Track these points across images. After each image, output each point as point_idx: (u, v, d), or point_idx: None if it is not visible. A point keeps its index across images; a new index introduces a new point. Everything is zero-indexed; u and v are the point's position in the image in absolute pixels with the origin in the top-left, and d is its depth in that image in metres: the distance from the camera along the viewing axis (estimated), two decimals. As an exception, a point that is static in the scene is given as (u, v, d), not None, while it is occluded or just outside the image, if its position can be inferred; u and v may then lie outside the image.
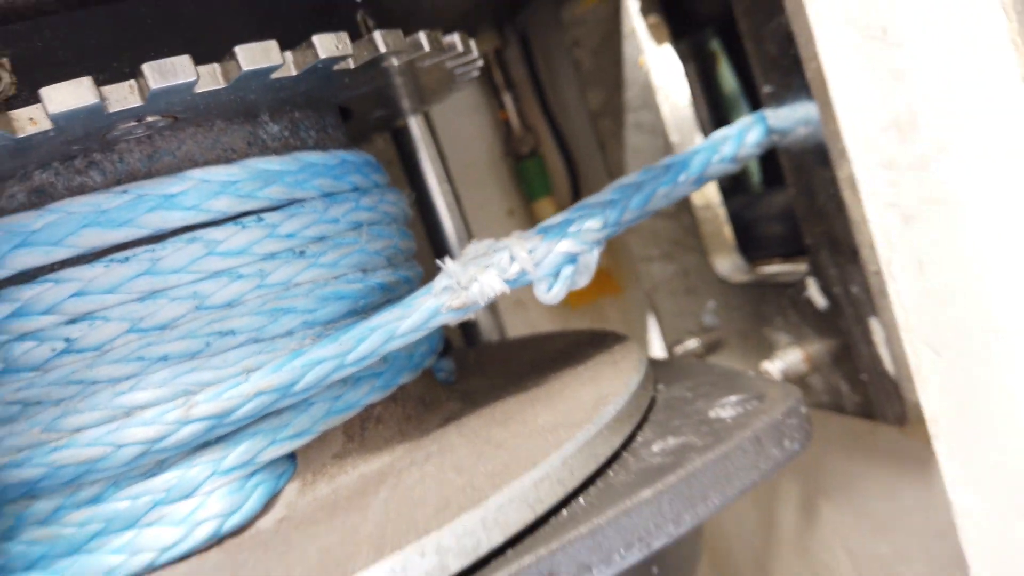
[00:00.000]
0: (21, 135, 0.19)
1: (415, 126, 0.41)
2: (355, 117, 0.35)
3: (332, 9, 0.28)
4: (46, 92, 0.18)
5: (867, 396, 0.31)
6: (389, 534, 0.20)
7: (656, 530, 0.21)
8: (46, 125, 0.20)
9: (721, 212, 0.41)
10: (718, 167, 0.33)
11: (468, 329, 0.44)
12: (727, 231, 0.41)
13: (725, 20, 0.35)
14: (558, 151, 0.57)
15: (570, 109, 0.53)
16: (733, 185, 0.43)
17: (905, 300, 0.21)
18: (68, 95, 0.19)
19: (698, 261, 0.44)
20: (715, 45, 0.47)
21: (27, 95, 0.21)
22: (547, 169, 0.56)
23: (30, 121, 0.19)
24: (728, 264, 0.42)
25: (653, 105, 0.42)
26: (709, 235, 0.42)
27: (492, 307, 0.47)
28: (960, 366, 0.21)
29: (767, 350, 0.38)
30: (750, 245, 0.41)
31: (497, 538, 0.20)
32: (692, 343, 0.47)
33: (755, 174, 0.49)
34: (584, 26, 0.46)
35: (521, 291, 0.55)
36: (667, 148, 0.41)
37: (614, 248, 0.57)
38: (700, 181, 0.33)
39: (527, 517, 0.21)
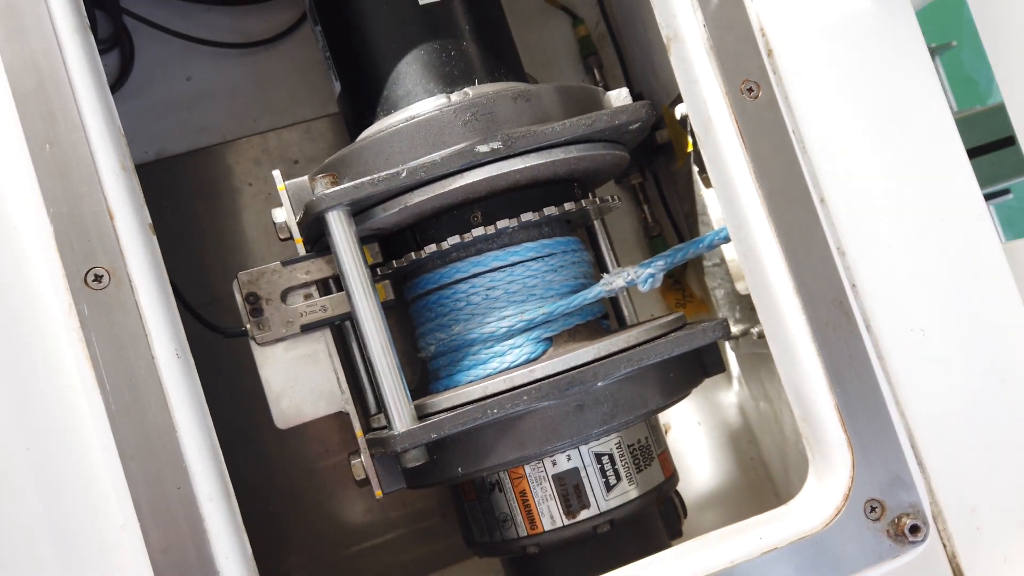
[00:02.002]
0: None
1: (597, 225, 0.89)
2: (571, 222, 0.84)
3: (564, 187, 0.77)
4: (501, 223, 0.68)
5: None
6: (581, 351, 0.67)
7: (666, 351, 0.66)
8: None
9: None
10: (718, 241, 0.76)
11: (620, 319, 0.91)
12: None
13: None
14: (674, 233, 1.03)
15: (677, 211, 0.99)
16: (746, 250, 0.86)
17: (751, 288, 0.65)
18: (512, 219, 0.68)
19: (732, 287, 0.87)
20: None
21: (484, 221, 0.70)
22: (667, 244, 1.02)
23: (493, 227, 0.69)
24: (742, 286, 0.84)
25: (707, 213, 0.87)
26: (734, 272, 0.85)
27: (635, 311, 0.93)
28: (760, 298, 0.64)
29: (757, 323, 0.81)
30: (753, 278, 0.84)
31: (615, 347, 0.66)
32: (736, 329, 0.90)
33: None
34: (679, 173, 0.92)
35: (651, 305, 1.01)
36: (718, 232, 0.86)
37: (704, 286, 1.00)
38: (710, 247, 0.76)
39: (624, 344, 0.66)
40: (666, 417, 1.00)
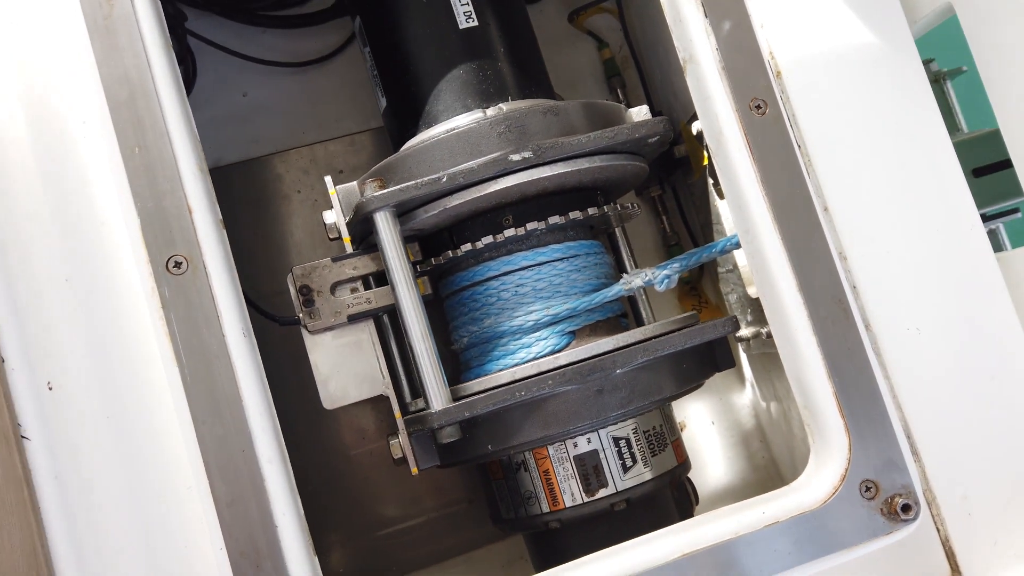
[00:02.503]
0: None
1: (619, 232, 0.95)
2: (594, 228, 0.90)
3: (588, 194, 0.84)
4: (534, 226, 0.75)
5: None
6: (601, 342, 0.74)
7: (679, 343, 0.72)
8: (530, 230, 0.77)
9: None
10: (729, 246, 0.83)
11: (639, 320, 0.97)
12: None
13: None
14: (691, 242, 1.09)
15: (694, 221, 1.05)
16: (757, 256, 0.92)
17: (758, 287, 0.71)
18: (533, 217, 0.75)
19: (744, 291, 0.93)
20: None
21: (515, 223, 0.77)
22: (684, 251, 1.08)
23: (523, 229, 0.76)
24: (753, 290, 0.90)
25: (721, 223, 0.93)
26: (746, 278, 0.91)
27: (652, 314, 0.99)
28: (766, 296, 0.70)
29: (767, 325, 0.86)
30: (764, 282, 0.90)
31: (632, 339, 0.72)
32: (747, 331, 0.96)
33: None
34: (696, 185, 0.98)
35: (669, 310, 1.07)
36: (731, 240, 0.92)
37: (719, 292, 1.06)
38: (722, 252, 0.82)
39: (641, 336, 0.73)
40: (682, 416, 1.06)
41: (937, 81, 1.40)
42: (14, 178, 0.64)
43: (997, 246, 1.38)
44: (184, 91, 0.67)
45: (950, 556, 0.69)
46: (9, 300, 0.62)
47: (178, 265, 0.62)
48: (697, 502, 0.85)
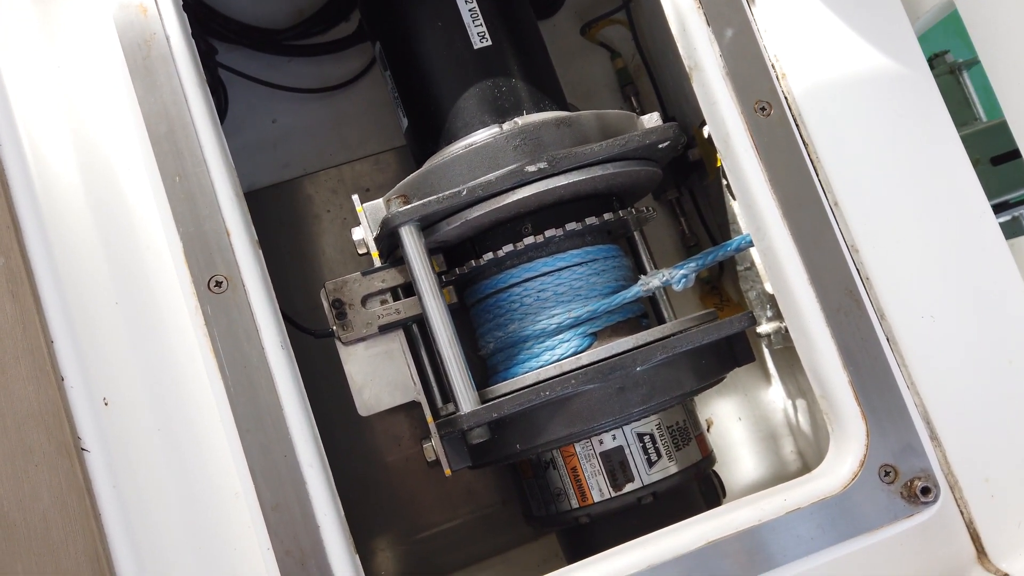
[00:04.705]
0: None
1: (637, 235, 0.98)
2: (612, 232, 0.93)
3: (604, 200, 0.87)
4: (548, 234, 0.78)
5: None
6: (621, 341, 0.76)
7: (696, 340, 0.74)
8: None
9: (767, 265, 0.92)
10: (744, 244, 0.85)
11: (661, 320, 0.99)
12: (771, 273, 0.92)
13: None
14: (710, 242, 1.11)
15: (711, 222, 1.08)
16: (773, 253, 0.94)
17: (772, 283, 0.73)
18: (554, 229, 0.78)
19: (763, 288, 0.95)
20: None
21: (534, 231, 0.81)
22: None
23: (542, 237, 0.79)
24: (769, 286, 0.92)
25: (737, 222, 0.95)
26: (763, 275, 0.93)
27: (674, 314, 1.01)
28: (779, 291, 0.72)
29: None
30: (781, 278, 0.92)
31: (651, 338, 0.75)
32: (768, 327, 0.98)
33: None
34: (711, 187, 1.01)
35: (691, 310, 1.09)
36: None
37: (738, 289, 1.08)
38: (737, 250, 0.85)
39: (660, 335, 0.75)
40: (709, 413, 1.08)
41: (953, 72, 1.41)
42: (65, 209, 0.69)
43: (1021, 231, 1.38)
44: (218, 122, 0.72)
45: (975, 538, 0.71)
46: (65, 323, 0.67)
47: (219, 284, 0.66)
48: (724, 495, 0.87)
